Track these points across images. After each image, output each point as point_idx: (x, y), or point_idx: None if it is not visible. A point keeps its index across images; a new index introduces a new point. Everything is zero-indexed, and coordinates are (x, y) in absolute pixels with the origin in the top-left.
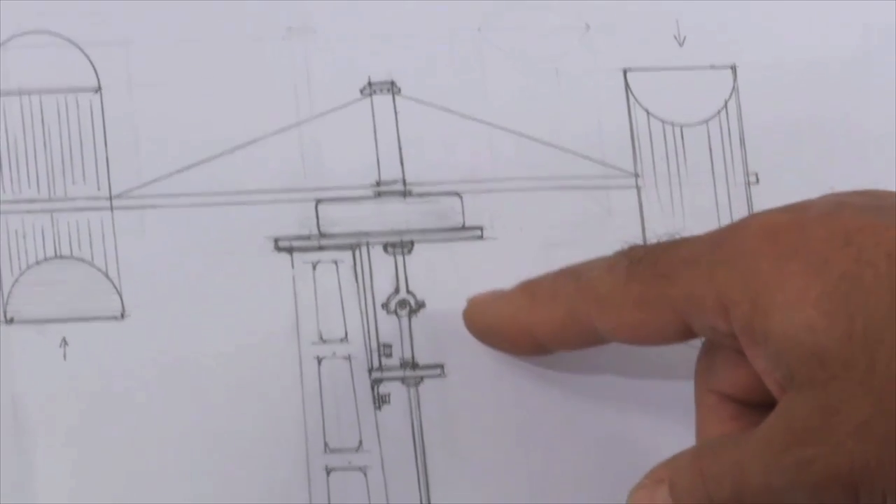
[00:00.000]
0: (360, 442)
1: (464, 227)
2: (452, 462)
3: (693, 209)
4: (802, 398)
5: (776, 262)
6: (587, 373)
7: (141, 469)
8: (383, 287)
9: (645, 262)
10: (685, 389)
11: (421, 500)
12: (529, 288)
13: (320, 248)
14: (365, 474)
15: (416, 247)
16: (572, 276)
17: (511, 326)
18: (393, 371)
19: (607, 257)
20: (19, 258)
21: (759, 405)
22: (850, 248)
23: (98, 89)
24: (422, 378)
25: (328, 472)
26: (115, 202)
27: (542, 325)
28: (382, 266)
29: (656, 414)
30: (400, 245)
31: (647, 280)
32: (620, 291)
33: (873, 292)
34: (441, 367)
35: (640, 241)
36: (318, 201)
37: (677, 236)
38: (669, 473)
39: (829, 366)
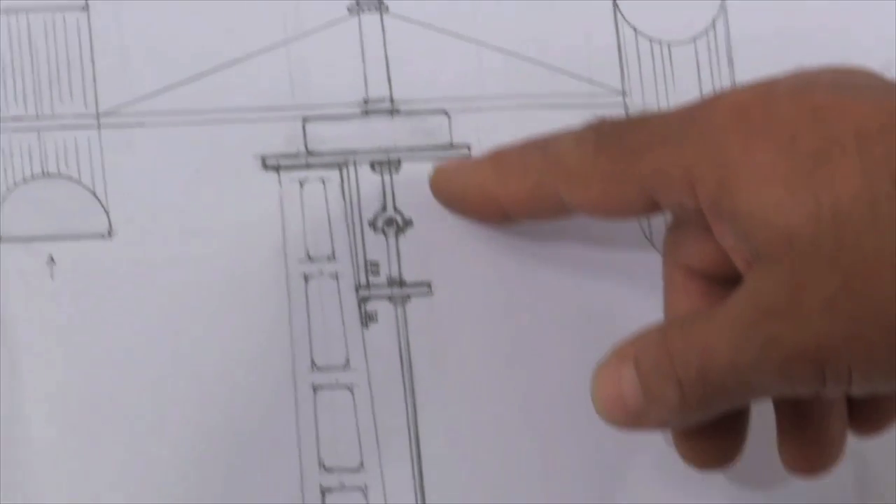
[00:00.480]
0: (347, 360)
1: (451, 146)
2: (439, 379)
3: None
4: (769, 275)
5: (744, 139)
6: (578, 290)
7: (125, 386)
8: (370, 205)
9: (613, 137)
10: None
11: (408, 418)
12: (497, 158)
13: (307, 167)
14: (352, 392)
15: (404, 165)
16: (540, 148)
17: (478, 196)
18: (380, 289)
19: (576, 130)
20: (6, 176)
21: (726, 280)
22: (818, 125)
23: (85, 7)
24: (409, 296)
25: (315, 390)
26: (103, 120)
27: (510, 196)
28: (370, 184)
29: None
30: (387, 163)
31: (615, 155)
32: (588, 165)
33: (841, 170)
34: (428, 284)
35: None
36: (306, 119)
37: (647, 111)
38: (635, 350)
39: (795, 243)
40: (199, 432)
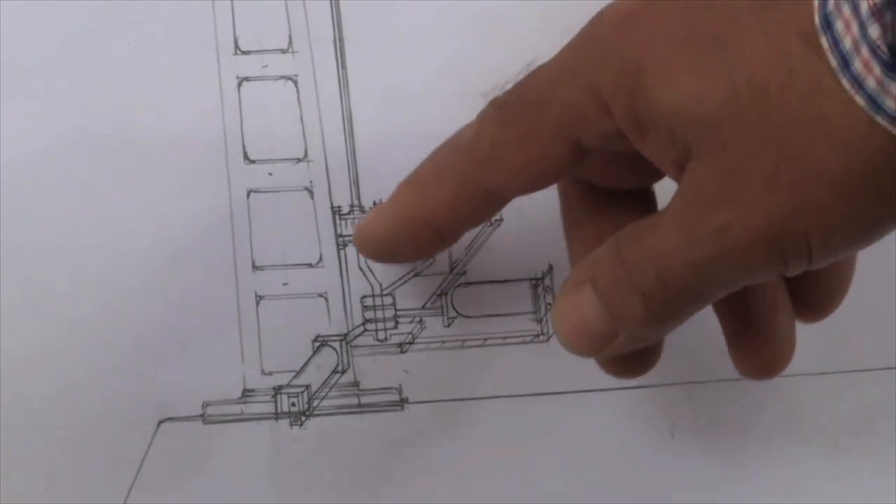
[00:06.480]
0: None
1: None
2: None
3: None
4: (704, 167)
5: (642, 44)
6: None
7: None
8: None
9: (511, 102)
10: None
11: None
12: (408, 181)
13: None
14: None
15: None
16: (447, 148)
17: (406, 226)
18: None
19: (473, 119)
20: None
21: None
22: (711, 9)
23: None
24: None
25: None
26: None
27: (437, 209)
28: None
29: None
30: None
31: (521, 115)
32: (500, 139)
33: (747, 44)
34: None
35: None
36: None
37: (532, 67)
38: (590, 272)
39: (721, 128)
40: None
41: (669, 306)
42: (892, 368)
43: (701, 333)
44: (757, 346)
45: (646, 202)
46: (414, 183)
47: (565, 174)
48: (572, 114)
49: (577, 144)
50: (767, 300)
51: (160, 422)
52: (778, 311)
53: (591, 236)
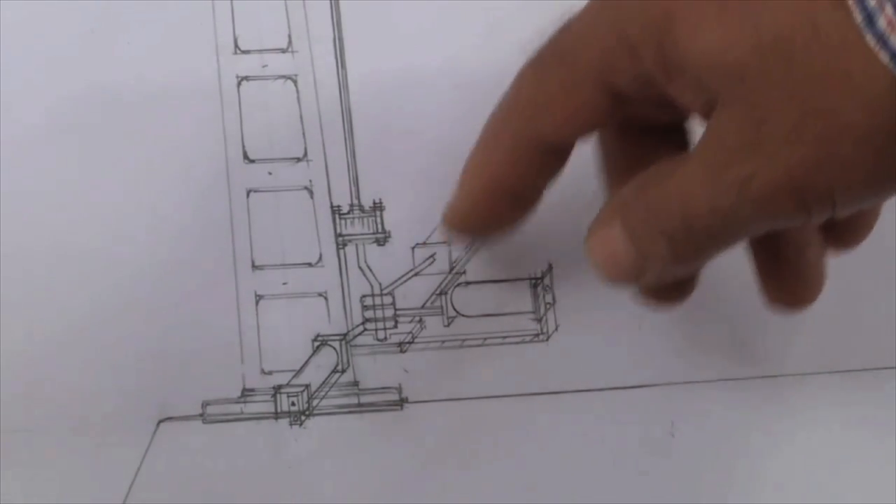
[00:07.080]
0: None
1: None
2: None
3: None
4: (729, 116)
5: None
6: None
7: None
8: None
9: (547, 55)
10: None
11: None
12: (473, 150)
13: None
14: None
15: None
16: (497, 109)
17: (482, 195)
18: None
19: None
20: None
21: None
22: None
23: None
24: None
25: None
26: None
27: (503, 171)
28: None
29: None
30: None
31: (558, 66)
32: (540, 93)
33: None
34: None
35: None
36: None
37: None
38: (619, 210)
39: (747, 78)
40: None
41: (694, 249)
42: (892, 368)
43: (701, 333)
44: (787, 280)
45: (679, 140)
46: (476, 150)
47: (609, 119)
48: (604, 62)
49: (613, 91)
50: (798, 234)
51: (160, 422)
52: (808, 245)
53: (625, 172)
